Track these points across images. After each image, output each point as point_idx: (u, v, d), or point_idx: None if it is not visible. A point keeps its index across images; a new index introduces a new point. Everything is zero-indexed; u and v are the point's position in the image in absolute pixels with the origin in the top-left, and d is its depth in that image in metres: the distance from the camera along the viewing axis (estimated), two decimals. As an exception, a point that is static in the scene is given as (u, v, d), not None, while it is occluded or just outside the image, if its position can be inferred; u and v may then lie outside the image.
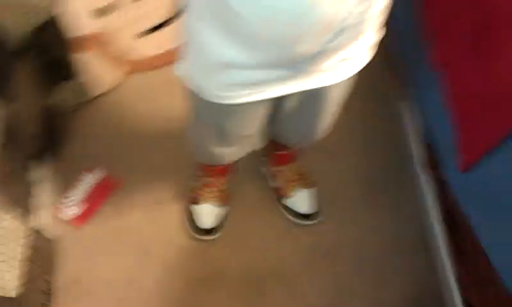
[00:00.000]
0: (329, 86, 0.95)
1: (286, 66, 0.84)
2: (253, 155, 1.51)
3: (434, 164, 1.25)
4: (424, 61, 1.26)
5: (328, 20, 0.73)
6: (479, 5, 1.08)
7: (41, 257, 1.35)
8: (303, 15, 0.71)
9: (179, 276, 1.43)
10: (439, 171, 1.20)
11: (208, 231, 1.45)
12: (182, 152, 1.58)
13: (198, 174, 1.49)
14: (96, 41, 1.75)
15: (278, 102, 1.01)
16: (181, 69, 0.96)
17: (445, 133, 1.16)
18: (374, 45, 0.93)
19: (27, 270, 1.24)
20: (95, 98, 1.71)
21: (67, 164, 1.58)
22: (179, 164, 1.59)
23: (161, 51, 1.82)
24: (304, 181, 1.51)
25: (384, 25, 0.91)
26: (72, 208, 1.50)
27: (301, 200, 1.49)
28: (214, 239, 1.47)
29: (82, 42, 1.61)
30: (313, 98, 1.00)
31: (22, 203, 1.30)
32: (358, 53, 0.89)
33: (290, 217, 1.50)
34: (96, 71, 1.68)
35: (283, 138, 1.29)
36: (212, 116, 1.04)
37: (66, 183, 1.54)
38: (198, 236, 1.46)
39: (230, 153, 1.21)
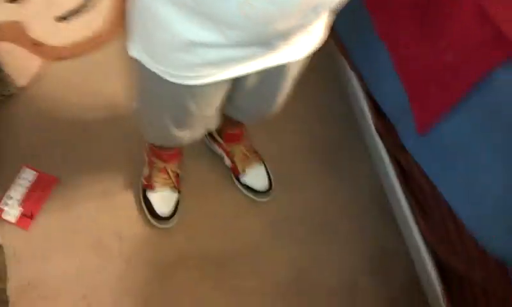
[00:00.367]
0: (290, 62, 0.96)
1: (259, 44, 0.83)
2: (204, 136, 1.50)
3: (385, 129, 1.30)
4: (369, 30, 1.29)
5: None
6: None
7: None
8: None
9: (141, 266, 1.40)
10: (393, 135, 1.25)
11: (167, 218, 1.42)
12: (122, 138, 1.53)
13: (149, 160, 1.44)
14: (11, 29, 1.62)
15: (238, 79, 0.99)
16: (135, 49, 0.90)
17: (396, 99, 1.21)
18: (330, 21, 0.96)
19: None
20: (19, 91, 1.58)
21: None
22: (121, 152, 1.53)
23: (86, 35, 1.72)
24: (257, 157, 1.53)
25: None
26: (13, 209, 1.40)
27: (256, 176, 1.51)
28: (171, 226, 1.44)
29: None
30: (274, 74, 1.00)
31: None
32: (320, 28, 0.92)
33: (248, 194, 1.52)
34: (17, 61, 1.56)
35: (240, 114, 1.29)
36: (172, 98, 0.99)
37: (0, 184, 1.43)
38: (156, 223, 1.43)
39: (188, 134, 1.18)
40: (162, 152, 1.40)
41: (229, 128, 1.45)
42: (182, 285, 1.38)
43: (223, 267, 1.42)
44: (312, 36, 0.92)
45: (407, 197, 1.33)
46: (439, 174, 1.09)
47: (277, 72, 0.98)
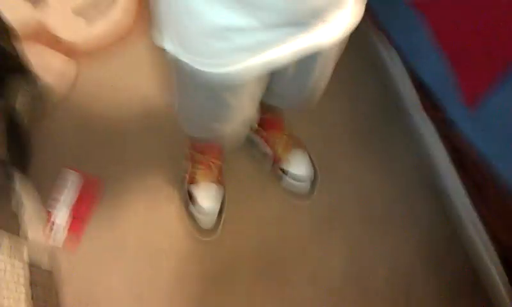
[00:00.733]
0: (328, 44, 0.90)
1: (293, 24, 0.78)
2: None
3: (431, 104, 1.22)
4: (402, 4, 1.21)
5: None
6: None
7: (44, 292, 1.26)
8: None
9: (194, 268, 1.38)
10: (439, 110, 1.17)
11: (209, 232, 1.40)
12: (161, 133, 1.51)
13: (192, 154, 1.42)
14: (34, 28, 1.63)
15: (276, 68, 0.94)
16: (164, 40, 0.86)
17: (439, 73, 1.13)
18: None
19: (37, 290, 1.17)
20: (55, 95, 1.58)
21: (40, 174, 1.45)
22: (161, 147, 1.52)
23: (108, 29, 1.70)
24: (299, 144, 1.49)
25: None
26: (63, 216, 1.40)
27: (297, 163, 1.46)
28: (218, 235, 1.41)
29: (29, 39, 1.49)
30: (312, 59, 0.94)
31: (15, 219, 1.20)
32: (357, 3, 0.86)
33: (291, 181, 1.47)
34: (53, 69, 1.56)
35: (282, 102, 1.24)
36: (207, 90, 0.94)
37: (44, 192, 1.42)
38: (200, 236, 1.41)
39: (226, 128, 1.12)
40: (203, 145, 1.37)
41: (269, 115, 1.41)
42: (237, 293, 1.36)
43: (275, 277, 1.39)
44: (348, 12, 0.86)
45: (461, 179, 1.25)
46: (494, 151, 1.02)
47: (314, 56, 0.93)
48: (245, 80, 0.90)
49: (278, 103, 1.25)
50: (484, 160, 1.06)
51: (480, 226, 1.24)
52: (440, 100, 1.17)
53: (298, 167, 1.46)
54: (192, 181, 1.41)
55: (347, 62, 1.65)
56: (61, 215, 1.41)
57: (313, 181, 1.47)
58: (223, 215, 1.42)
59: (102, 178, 1.48)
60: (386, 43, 1.40)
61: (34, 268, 1.23)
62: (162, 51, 0.88)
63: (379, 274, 1.39)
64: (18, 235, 1.22)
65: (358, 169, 1.53)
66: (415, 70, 1.25)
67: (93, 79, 1.63)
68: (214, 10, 0.73)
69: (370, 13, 1.38)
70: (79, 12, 1.68)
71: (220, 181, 1.43)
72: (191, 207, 1.42)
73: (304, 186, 1.47)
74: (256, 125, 1.48)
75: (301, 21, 0.78)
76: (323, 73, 1.05)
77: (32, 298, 1.17)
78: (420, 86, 1.24)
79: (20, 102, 1.41)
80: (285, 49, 0.84)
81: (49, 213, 1.40)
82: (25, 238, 1.25)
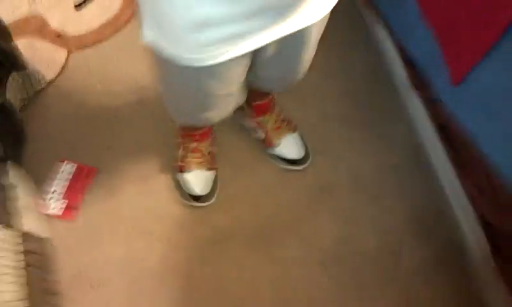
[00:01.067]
0: (308, 26, 0.90)
1: (268, 14, 0.78)
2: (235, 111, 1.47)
3: (419, 82, 1.22)
4: None
5: None
6: None
7: (40, 259, 1.29)
8: None
9: (184, 247, 1.41)
10: (426, 88, 1.17)
11: (203, 198, 1.41)
12: (153, 121, 1.53)
13: (181, 142, 1.44)
14: (33, 23, 1.63)
15: (257, 51, 0.94)
16: (147, 36, 0.86)
17: (427, 51, 1.13)
18: None
19: (32, 275, 1.19)
20: (48, 85, 1.60)
21: (35, 161, 1.49)
22: (154, 135, 1.54)
23: (104, 20, 1.70)
24: (288, 126, 1.49)
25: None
26: (58, 202, 1.44)
27: (289, 146, 1.48)
28: (210, 204, 1.44)
29: (18, 28, 1.48)
30: (293, 40, 0.94)
31: (6, 209, 1.22)
32: None
33: (282, 165, 1.49)
34: (43, 56, 1.57)
35: (264, 85, 1.24)
36: (190, 81, 0.96)
37: (40, 180, 1.46)
38: (192, 204, 1.43)
39: (214, 114, 1.15)
40: (193, 132, 1.38)
41: (257, 99, 1.42)
42: (227, 262, 1.39)
43: (267, 240, 1.42)
44: None
45: (447, 153, 1.25)
46: (477, 126, 1.02)
47: (295, 38, 0.92)
48: (227, 66, 0.90)
49: (264, 87, 1.25)
50: (469, 137, 1.07)
51: (466, 203, 1.26)
52: (427, 77, 1.17)
53: (290, 150, 1.47)
54: (185, 168, 1.43)
55: (338, 39, 1.67)
56: (55, 203, 1.43)
57: (303, 160, 1.48)
58: (215, 194, 1.44)
59: (95, 164, 1.50)
60: (377, 19, 1.39)
61: (29, 237, 1.26)
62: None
63: (370, 240, 1.42)
64: (7, 208, 1.25)
65: (350, 146, 1.55)
66: (404, 46, 1.25)
67: (85, 67, 1.64)
68: (199, 5, 0.73)
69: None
70: (75, 3, 1.68)
71: (212, 166, 1.44)
72: (184, 193, 1.44)
73: (297, 168, 1.49)
74: (248, 109, 1.48)
75: (277, 9, 0.78)
76: (305, 52, 1.04)
77: (28, 265, 1.20)
78: (410, 63, 1.24)
79: (11, 90, 1.42)
80: (265, 38, 0.85)
81: (45, 204, 1.43)
82: (18, 211, 1.27)
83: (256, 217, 1.44)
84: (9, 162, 1.31)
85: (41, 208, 1.41)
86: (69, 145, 1.53)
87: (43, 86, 1.56)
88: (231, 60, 0.85)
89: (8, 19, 1.61)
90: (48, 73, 1.58)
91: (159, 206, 1.46)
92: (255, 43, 0.84)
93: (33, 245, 1.27)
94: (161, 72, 1.01)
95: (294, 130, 1.50)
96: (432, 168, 1.48)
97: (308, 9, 0.84)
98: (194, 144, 1.41)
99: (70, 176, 1.48)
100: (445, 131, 1.20)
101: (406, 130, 1.56)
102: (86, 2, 1.67)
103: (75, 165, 1.49)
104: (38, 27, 1.61)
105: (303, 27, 0.87)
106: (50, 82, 1.60)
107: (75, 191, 1.46)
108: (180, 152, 1.44)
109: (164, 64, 0.93)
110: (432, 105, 1.18)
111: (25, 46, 1.55)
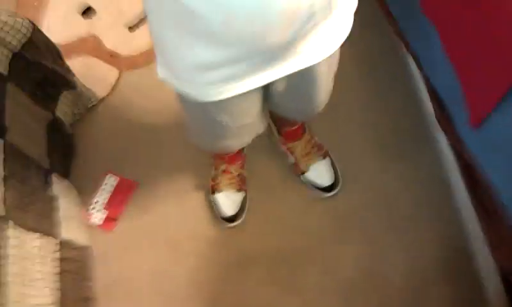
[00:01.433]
0: (314, 65, 0.90)
1: (261, 56, 0.80)
2: (268, 136, 1.52)
3: (444, 117, 1.18)
4: (416, 8, 1.17)
5: (291, 11, 0.69)
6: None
7: (77, 266, 1.39)
8: (261, 10, 0.67)
9: (211, 265, 1.45)
10: (450, 124, 1.13)
11: (231, 219, 1.45)
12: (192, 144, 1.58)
13: (215, 162, 1.49)
14: (89, 43, 1.75)
15: (267, 85, 0.95)
16: (160, 73, 0.92)
17: (451, 87, 1.09)
18: (350, 14, 0.88)
19: (66, 281, 1.29)
20: (98, 102, 1.72)
21: (82, 173, 1.60)
22: (193, 155, 1.58)
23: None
24: (319, 153, 1.49)
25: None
26: (99, 213, 1.53)
27: (319, 173, 1.47)
28: (239, 225, 1.47)
29: (72, 48, 1.60)
30: (300, 78, 0.94)
31: (48, 219, 1.33)
32: (334, 28, 0.85)
33: (312, 191, 1.49)
34: (96, 73, 1.68)
35: (286, 115, 1.26)
36: (204, 114, 1.01)
37: (85, 192, 1.57)
38: (222, 224, 1.47)
39: (233, 143, 1.18)
40: (223, 155, 1.42)
41: (287, 126, 1.44)
42: (250, 284, 1.42)
43: (290, 266, 1.43)
44: (326, 39, 0.85)
45: (470, 195, 1.19)
46: (495, 171, 0.97)
47: (301, 76, 0.92)
48: (234, 102, 0.92)
49: (286, 115, 1.27)
50: (488, 181, 1.02)
51: (486, 251, 1.19)
52: (451, 113, 1.13)
53: (319, 176, 1.47)
54: (216, 188, 1.48)
55: (375, 65, 1.65)
56: (96, 213, 1.54)
57: (332, 187, 1.47)
58: (243, 215, 1.48)
59: (137, 179, 1.59)
60: (407, 50, 1.36)
61: (67, 245, 1.35)
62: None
63: (395, 275, 1.39)
64: (53, 217, 1.35)
65: (382, 176, 1.52)
66: (429, 79, 1.21)
67: (135, 86, 1.74)
68: (188, 47, 0.78)
69: (392, 21, 1.35)
70: (129, 24, 1.78)
71: (242, 188, 1.48)
72: (214, 212, 1.49)
73: (327, 195, 1.48)
74: (278, 135, 1.51)
75: (275, 53, 0.80)
76: (317, 87, 1.04)
77: (65, 271, 1.29)
78: (435, 96, 1.20)
79: (61, 108, 1.54)
80: (269, 76, 0.87)
81: (87, 214, 1.53)
82: (62, 220, 1.37)
83: (281, 242, 1.46)
84: (53, 174, 1.42)
85: (83, 217, 1.52)
86: (114, 159, 1.63)
87: (94, 103, 1.68)
88: (237, 96, 0.88)
89: (67, 39, 1.76)
90: (100, 91, 1.70)
91: (192, 224, 1.52)
92: (255, 82, 0.87)
93: (71, 252, 1.37)
94: (180, 103, 1.06)
95: (324, 156, 1.49)
96: (459, 208, 1.42)
97: (305, 52, 0.84)
98: (224, 166, 1.45)
99: (113, 189, 1.58)
100: (469, 170, 1.15)
101: (436, 164, 1.50)
102: (139, 24, 1.77)
103: (118, 178, 1.59)
104: (93, 47, 1.73)
105: (303, 67, 0.88)
106: (101, 100, 1.71)
107: (116, 203, 1.55)
108: (213, 172, 1.50)
109: (180, 97, 0.98)
110: (457, 141, 1.13)
111: (81, 64, 1.67)
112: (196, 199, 1.54)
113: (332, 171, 1.48)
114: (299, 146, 1.47)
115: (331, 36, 0.86)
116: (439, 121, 1.23)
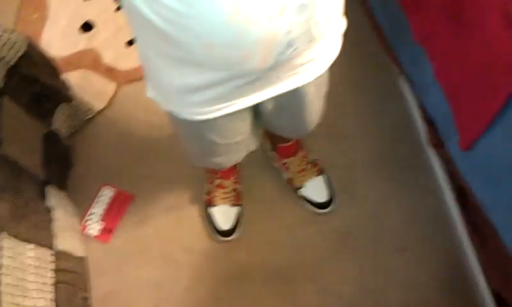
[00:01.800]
0: (301, 86, 0.91)
1: (245, 78, 0.81)
2: (264, 151, 1.54)
3: (436, 139, 1.19)
4: (409, 34, 1.19)
5: (269, 37, 0.70)
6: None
7: (73, 277, 1.39)
8: (238, 40, 0.68)
9: (207, 278, 1.46)
10: (443, 146, 1.14)
11: (226, 233, 1.46)
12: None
13: (210, 177, 1.50)
14: (87, 57, 1.77)
15: (257, 105, 0.95)
16: (149, 92, 0.95)
17: (442, 109, 1.10)
18: (337, 37, 0.89)
19: (62, 291, 1.29)
20: (94, 115, 1.73)
21: (78, 185, 1.61)
22: (189, 168, 1.57)
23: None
24: (313, 169, 1.50)
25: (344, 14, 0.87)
26: (95, 224, 1.54)
27: (314, 189, 1.49)
28: (235, 239, 1.48)
29: (71, 62, 1.62)
30: (288, 98, 0.94)
31: (44, 230, 1.34)
32: (320, 52, 0.85)
33: (307, 207, 1.50)
34: (94, 86, 1.70)
35: (278, 132, 1.26)
36: (193, 132, 1.03)
37: (82, 203, 1.58)
38: (218, 238, 1.48)
39: (224, 160, 1.19)
40: (215, 170, 1.44)
41: (281, 142, 1.45)
42: (246, 299, 1.42)
43: (287, 282, 1.43)
44: (311, 63, 0.86)
45: (462, 215, 1.20)
46: (484, 193, 0.97)
47: (289, 96, 0.93)
48: (221, 122, 0.94)
49: (278, 133, 1.27)
50: (479, 204, 1.02)
51: (479, 271, 1.20)
52: (443, 136, 1.14)
53: (314, 193, 1.48)
54: (211, 202, 1.49)
55: (371, 86, 1.66)
56: (93, 224, 1.54)
57: (328, 204, 1.48)
58: (238, 230, 1.48)
59: (133, 192, 1.60)
60: (401, 72, 1.38)
61: (64, 255, 1.35)
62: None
63: (392, 293, 1.39)
64: (49, 228, 1.36)
65: (377, 194, 1.53)
66: (422, 102, 1.22)
67: (132, 100, 1.76)
68: (173, 71, 0.80)
69: (385, 44, 1.36)
70: (127, 40, 1.80)
71: (237, 203, 1.49)
72: (208, 226, 1.50)
73: (322, 211, 1.49)
74: (272, 151, 1.52)
75: (259, 75, 0.81)
76: (306, 106, 1.04)
77: (61, 282, 1.29)
78: (428, 119, 1.21)
79: (58, 120, 1.55)
80: (256, 97, 0.88)
81: (83, 226, 1.54)
82: (58, 231, 1.38)
83: (277, 257, 1.46)
84: (49, 186, 1.44)
85: (79, 228, 1.53)
86: (110, 171, 1.64)
87: (90, 115, 1.69)
88: (225, 115, 0.90)
89: (66, 53, 1.79)
90: (98, 104, 1.71)
91: (188, 237, 1.52)
92: (242, 103, 0.88)
93: (67, 263, 1.38)
94: (171, 122, 1.07)
95: (318, 173, 1.50)
96: (454, 227, 1.43)
97: (290, 75, 0.85)
98: (218, 181, 1.47)
99: (109, 201, 1.58)
100: (461, 190, 1.15)
101: (431, 184, 1.52)
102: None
103: (115, 190, 1.60)
104: (92, 60, 1.76)
105: (289, 89, 0.89)
106: (99, 112, 1.73)
107: (112, 215, 1.56)
108: (208, 186, 1.50)
109: (170, 115, 0.99)
110: (449, 164, 1.14)
111: (79, 77, 1.69)
112: (192, 213, 1.55)
113: (328, 187, 1.49)
114: (294, 162, 1.48)
115: (318, 60, 0.87)
116: (431, 142, 1.24)
